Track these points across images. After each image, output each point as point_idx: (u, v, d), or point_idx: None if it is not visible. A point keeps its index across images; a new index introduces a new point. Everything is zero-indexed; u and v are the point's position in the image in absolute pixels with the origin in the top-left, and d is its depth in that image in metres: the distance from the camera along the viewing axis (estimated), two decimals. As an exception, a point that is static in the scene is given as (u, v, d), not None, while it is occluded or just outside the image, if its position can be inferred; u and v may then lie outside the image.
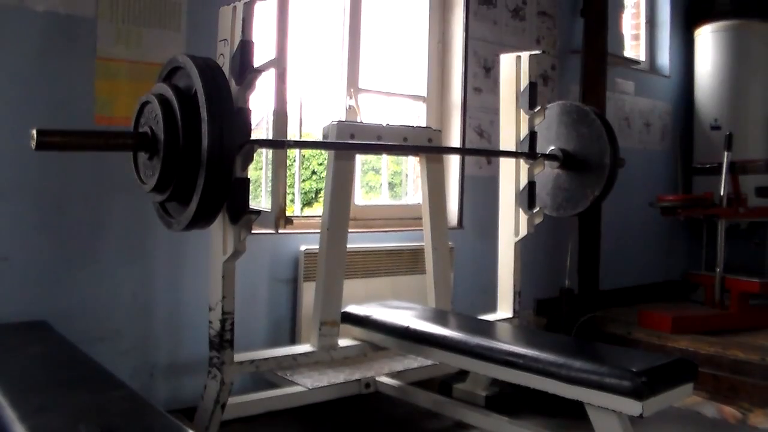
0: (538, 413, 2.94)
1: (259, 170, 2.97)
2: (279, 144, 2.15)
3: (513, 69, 3.07)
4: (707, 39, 5.08)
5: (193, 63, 1.85)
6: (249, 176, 2.10)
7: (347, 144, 2.58)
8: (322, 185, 4.78)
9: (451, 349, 2.38)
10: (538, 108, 3.03)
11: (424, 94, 3.74)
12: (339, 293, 2.59)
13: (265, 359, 2.39)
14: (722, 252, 4.15)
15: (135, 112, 1.99)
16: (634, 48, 5.14)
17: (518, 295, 3.12)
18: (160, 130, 1.84)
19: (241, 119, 2.01)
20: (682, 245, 5.26)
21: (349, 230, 2.64)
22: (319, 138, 2.66)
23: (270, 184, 2.29)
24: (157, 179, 1.87)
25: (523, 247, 3.12)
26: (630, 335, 3.85)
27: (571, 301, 3.89)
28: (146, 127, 1.90)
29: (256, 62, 2.11)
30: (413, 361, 2.96)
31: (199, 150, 1.79)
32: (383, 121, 2.84)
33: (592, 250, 4.23)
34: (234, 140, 1.87)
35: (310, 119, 3.48)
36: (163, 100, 1.86)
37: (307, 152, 6.91)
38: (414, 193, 3.75)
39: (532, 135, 3.01)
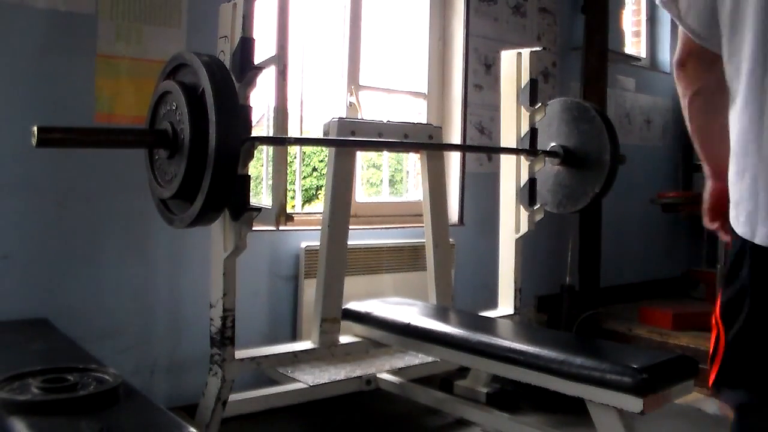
0: (539, 410, 2.94)
1: (260, 167, 2.96)
2: (280, 141, 2.14)
3: (514, 66, 3.07)
4: (708, 35, 5.07)
5: (200, 61, 1.85)
6: (249, 173, 2.10)
7: (348, 141, 2.58)
8: (323, 182, 4.78)
9: (452, 346, 2.37)
10: (539, 105, 3.02)
11: (425, 90, 3.74)
12: (340, 290, 2.59)
13: (266, 356, 2.39)
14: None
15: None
16: (635, 44, 5.13)
17: (519, 291, 3.12)
18: (186, 127, 1.83)
19: (242, 116, 2.00)
20: (683, 242, 5.25)
21: (350, 227, 2.64)
22: (319, 135, 2.66)
23: (271, 180, 2.29)
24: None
25: (523, 244, 3.12)
26: (631, 332, 3.86)
27: (572, 298, 3.89)
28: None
29: (257, 59, 2.11)
30: (414, 358, 2.97)
31: (206, 148, 1.78)
32: (384, 118, 2.83)
33: (593, 247, 4.23)
34: (238, 139, 1.86)
35: (311, 116, 3.49)
36: (188, 97, 1.85)
37: (307, 149, 6.90)
38: (415, 189, 3.75)
39: (533, 132, 3.00)
